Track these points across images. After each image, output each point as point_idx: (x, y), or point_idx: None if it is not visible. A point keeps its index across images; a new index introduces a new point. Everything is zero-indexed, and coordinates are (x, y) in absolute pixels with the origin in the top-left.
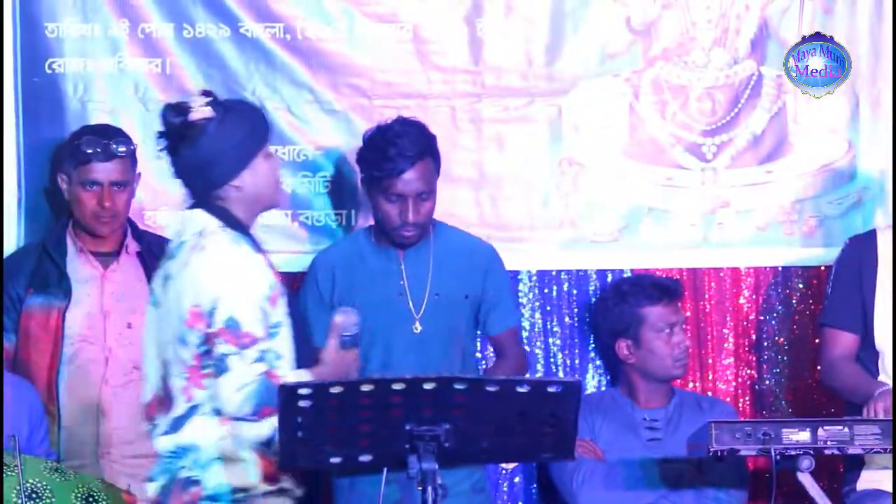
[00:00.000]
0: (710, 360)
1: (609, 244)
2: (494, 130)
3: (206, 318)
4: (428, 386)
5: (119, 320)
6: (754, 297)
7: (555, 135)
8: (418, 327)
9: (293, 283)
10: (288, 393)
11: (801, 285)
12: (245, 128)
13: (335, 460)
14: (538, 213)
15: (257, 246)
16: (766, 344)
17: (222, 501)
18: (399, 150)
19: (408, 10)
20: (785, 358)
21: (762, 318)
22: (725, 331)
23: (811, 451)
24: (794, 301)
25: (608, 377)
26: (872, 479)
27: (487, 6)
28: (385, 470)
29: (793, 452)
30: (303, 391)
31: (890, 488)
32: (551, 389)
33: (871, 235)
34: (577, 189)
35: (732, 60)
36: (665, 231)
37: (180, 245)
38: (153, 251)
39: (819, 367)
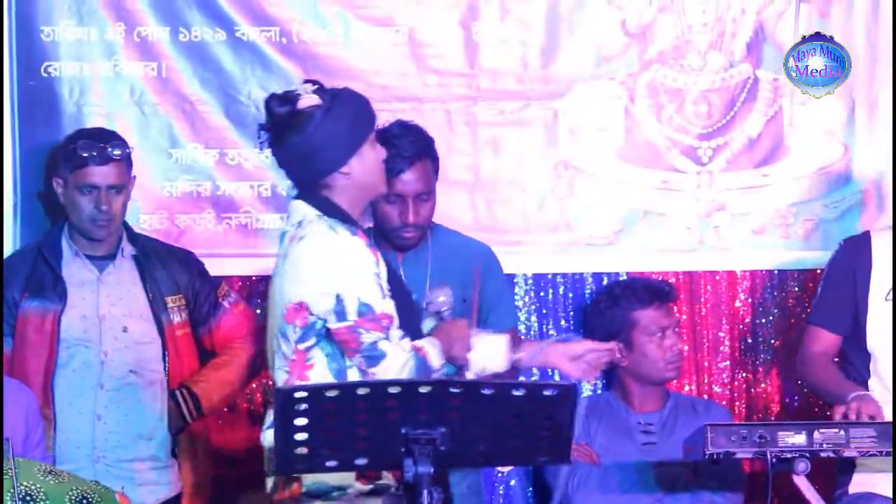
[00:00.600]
0: (706, 364)
1: (605, 247)
2: (490, 134)
3: (305, 311)
4: (424, 389)
5: (115, 324)
6: (750, 300)
7: (550, 138)
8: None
9: None
10: (284, 397)
11: (796, 288)
12: (352, 115)
13: (331, 464)
14: (534, 217)
15: (354, 229)
16: (761, 347)
17: (321, 499)
18: (398, 150)
19: (403, 14)
20: (781, 361)
21: (758, 321)
22: (721, 334)
23: (807, 454)
24: (789, 304)
25: (603, 381)
26: (864, 482)
27: (483, 9)
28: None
29: (788, 455)
30: (299, 395)
31: (882, 491)
32: (547, 393)
33: (866, 237)
34: (573, 192)
35: (728, 64)
36: (661, 234)
37: (282, 236)
38: (148, 254)
39: (797, 358)
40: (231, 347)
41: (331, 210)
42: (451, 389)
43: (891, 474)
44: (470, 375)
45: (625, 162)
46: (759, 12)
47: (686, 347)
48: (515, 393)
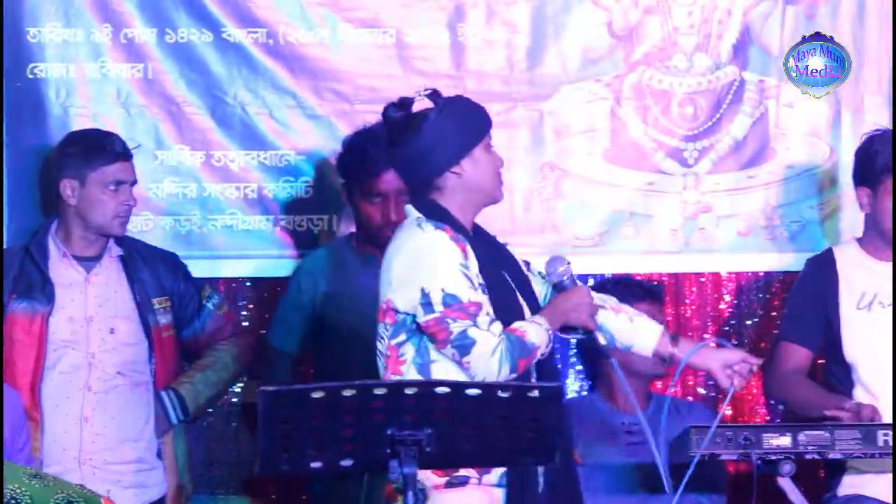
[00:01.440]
0: None
1: (591, 249)
2: None
3: (393, 309)
4: (409, 391)
5: (102, 326)
6: (735, 301)
7: (536, 139)
8: None
9: (275, 289)
10: (269, 398)
11: (782, 291)
12: (464, 116)
13: (316, 465)
14: (520, 218)
15: (441, 224)
16: (747, 349)
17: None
18: (379, 150)
19: (390, 16)
20: (766, 363)
21: (743, 322)
22: (706, 335)
23: (792, 456)
24: (775, 306)
25: (589, 383)
26: (853, 484)
27: (469, 11)
28: (366, 474)
29: (773, 457)
30: (284, 396)
31: (872, 493)
32: (532, 394)
33: (829, 254)
34: (559, 194)
35: (714, 65)
36: (646, 236)
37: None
38: (134, 256)
39: (769, 380)
40: (216, 349)
41: (435, 212)
42: (437, 391)
43: (880, 475)
44: (602, 341)
45: (611, 163)
46: (746, 14)
47: None
48: (501, 394)
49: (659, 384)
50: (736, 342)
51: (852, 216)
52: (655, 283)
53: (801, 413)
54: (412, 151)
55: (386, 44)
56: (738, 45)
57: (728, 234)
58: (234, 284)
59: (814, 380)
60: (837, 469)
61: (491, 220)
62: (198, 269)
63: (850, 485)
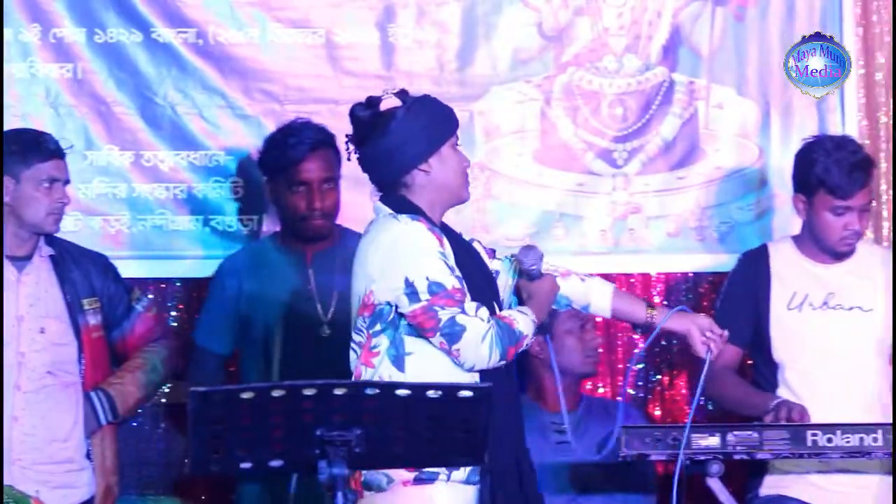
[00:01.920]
0: (621, 366)
1: None
2: None
3: (372, 301)
4: (339, 391)
5: (33, 325)
6: (665, 302)
7: (467, 140)
8: (326, 331)
9: (205, 289)
10: (199, 399)
11: (711, 291)
12: (433, 114)
13: (246, 466)
14: (450, 218)
15: (416, 216)
16: (676, 350)
17: (372, 489)
18: (298, 139)
19: (319, 16)
20: (695, 363)
21: None
22: (635, 336)
23: (720, 457)
24: (704, 306)
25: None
26: (775, 484)
27: (399, 12)
28: (295, 475)
29: (702, 458)
30: (215, 397)
31: (793, 493)
32: (462, 395)
33: (763, 250)
34: (490, 194)
35: (644, 66)
36: (576, 236)
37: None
38: (64, 256)
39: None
40: (145, 351)
41: (407, 207)
42: (367, 391)
43: (803, 476)
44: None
45: (541, 164)
46: (675, 16)
47: (600, 350)
48: (431, 395)
49: (589, 384)
50: (664, 343)
51: (782, 217)
52: None
53: (730, 411)
54: (380, 149)
55: (315, 44)
56: (668, 46)
57: (657, 234)
58: (163, 285)
59: (743, 377)
60: (759, 469)
61: None
62: (127, 269)
63: (771, 485)
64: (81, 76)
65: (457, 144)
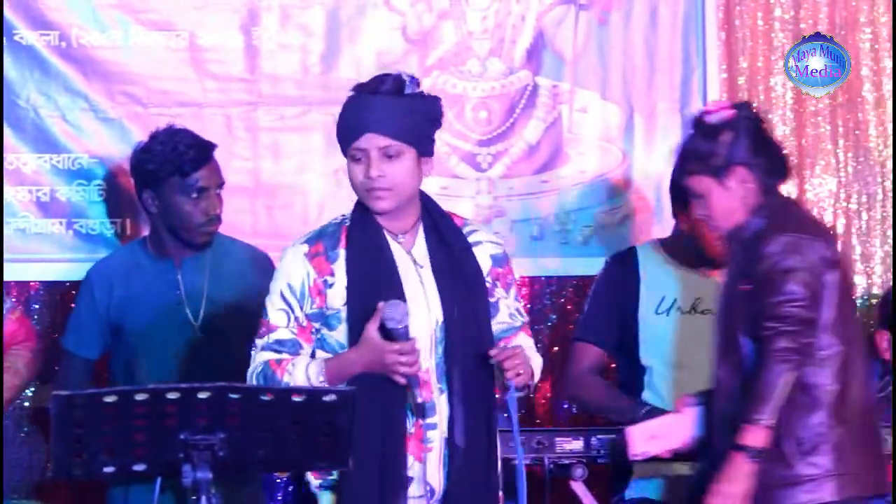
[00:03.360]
0: None
1: None
2: (270, 139)
3: None
4: (203, 395)
5: None
6: (529, 306)
7: (331, 143)
8: (197, 335)
9: (68, 293)
10: (61, 402)
11: (575, 295)
12: (342, 117)
13: (109, 470)
14: (315, 222)
15: (314, 241)
16: (539, 353)
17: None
18: (188, 145)
19: (183, 19)
20: (559, 367)
21: (536, 327)
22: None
23: (584, 460)
24: (568, 310)
25: None
26: (640, 487)
27: (263, 15)
28: (158, 478)
29: (566, 461)
30: (77, 400)
31: (657, 497)
32: (327, 399)
33: (632, 252)
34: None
35: (508, 70)
36: None
37: None
38: None
39: (564, 380)
40: (9, 354)
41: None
42: (231, 395)
43: (667, 479)
44: None
45: None
46: (539, 19)
47: None
48: (295, 399)
49: None
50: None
51: (645, 221)
52: None
53: (594, 413)
54: None
55: (179, 46)
56: (532, 50)
57: (522, 238)
58: (26, 288)
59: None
60: (624, 472)
61: (286, 224)
62: None
63: (636, 488)
64: None
65: (356, 158)
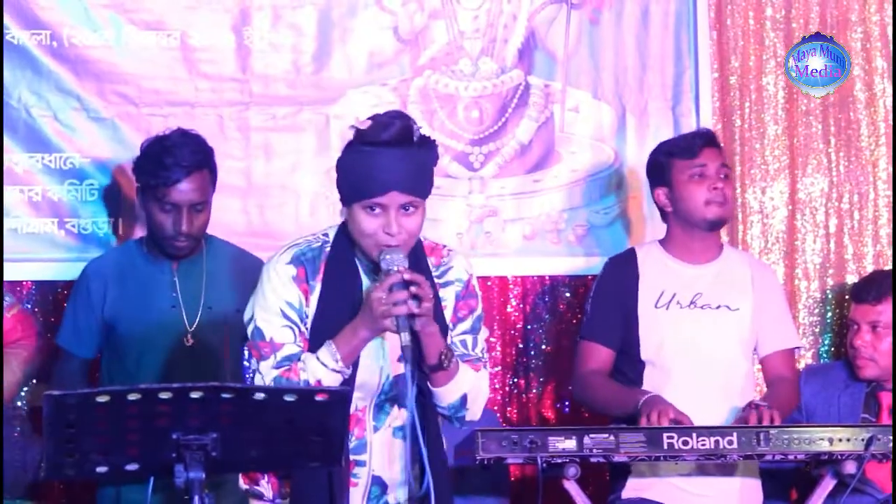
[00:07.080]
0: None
1: None
2: (262, 139)
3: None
4: (195, 395)
5: None
6: (522, 305)
7: (322, 143)
8: (190, 339)
9: (59, 292)
10: (54, 402)
11: (568, 294)
12: (353, 167)
13: (102, 470)
14: (306, 222)
15: (299, 259)
16: (532, 353)
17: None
18: (176, 159)
19: (175, 18)
20: (552, 367)
21: (529, 326)
22: (493, 339)
23: (577, 459)
24: (561, 310)
25: None
26: (637, 487)
27: (255, 15)
28: (151, 478)
29: (559, 460)
30: (70, 400)
31: (654, 497)
32: (319, 398)
33: (631, 253)
34: None
35: (500, 70)
36: (433, 239)
37: None
38: None
39: (572, 379)
40: (8, 351)
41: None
42: (223, 395)
43: (663, 479)
44: None
45: None
46: (531, 19)
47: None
48: (287, 398)
49: None
50: (521, 346)
51: (638, 220)
52: None
53: (601, 413)
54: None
55: (171, 46)
56: (524, 49)
57: (514, 237)
58: (18, 288)
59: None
60: (622, 472)
61: (278, 223)
62: None
63: (633, 488)
64: None
65: (373, 211)
